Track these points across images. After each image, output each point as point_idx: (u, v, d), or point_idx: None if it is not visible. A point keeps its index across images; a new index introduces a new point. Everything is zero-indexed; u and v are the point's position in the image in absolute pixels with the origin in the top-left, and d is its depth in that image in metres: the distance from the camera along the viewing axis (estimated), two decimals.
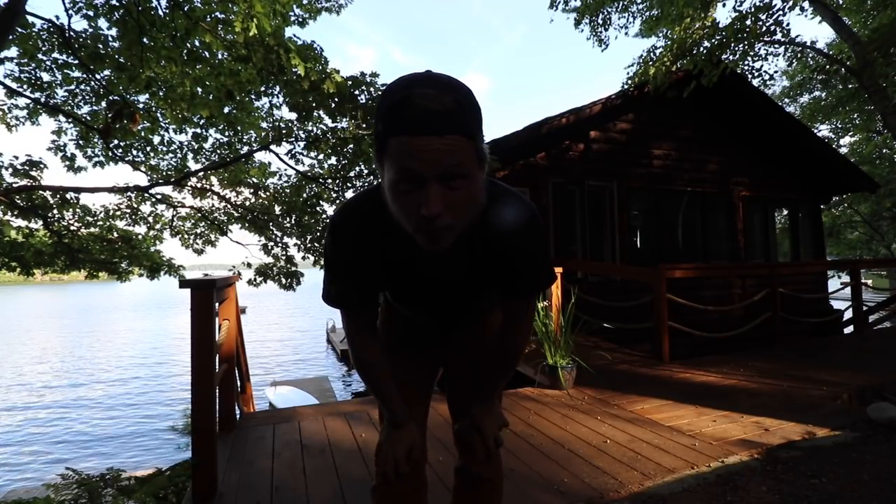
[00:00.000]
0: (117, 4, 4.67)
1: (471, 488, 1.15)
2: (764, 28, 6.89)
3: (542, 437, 2.56)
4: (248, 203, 8.25)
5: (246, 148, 7.62)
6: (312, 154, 7.11)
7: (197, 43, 5.16)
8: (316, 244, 7.76)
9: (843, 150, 15.83)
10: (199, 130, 7.08)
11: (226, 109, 6.41)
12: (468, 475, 1.14)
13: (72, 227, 6.28)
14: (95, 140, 6.38)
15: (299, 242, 7.88)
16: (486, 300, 1.06)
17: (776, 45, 7.73)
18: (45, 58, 5.38)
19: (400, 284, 0.94)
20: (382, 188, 0.74)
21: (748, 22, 6.76)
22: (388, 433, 1.00)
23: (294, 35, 5.25)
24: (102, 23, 4.96)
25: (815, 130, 13.58)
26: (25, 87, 5.55)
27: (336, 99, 5.20)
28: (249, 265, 7.91)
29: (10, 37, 4.29)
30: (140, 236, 6.92)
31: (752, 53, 7.24)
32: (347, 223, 0.84)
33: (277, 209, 8.00)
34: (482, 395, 1.05)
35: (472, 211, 0.72)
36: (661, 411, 2.94)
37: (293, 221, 7.78)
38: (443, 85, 0.64)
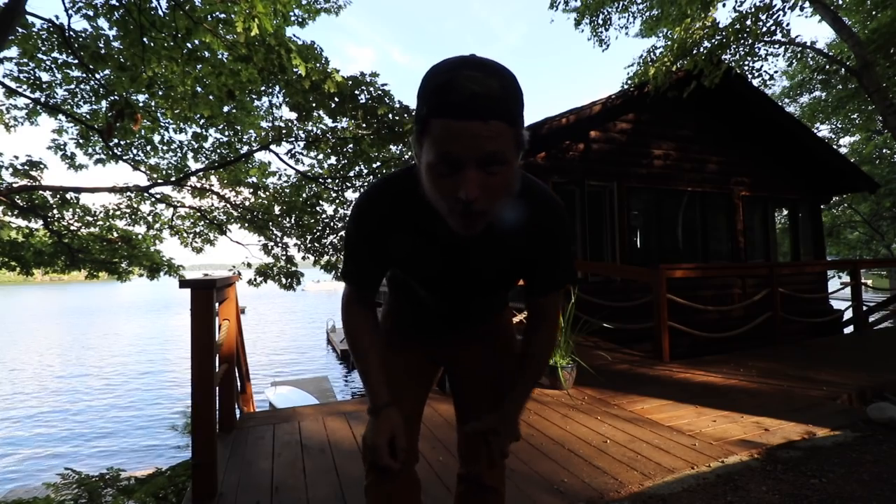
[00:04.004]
0: (117, 4, 4.66)
1: (475, 497, 1.12)
2: (764, 28, 6.89)
3: (542, 437, 2.56)
4: (247, 203, 8.25)
5: (246, 148, 7.62)
6: (312, 154, 7.11)
7: (197, 43, 5.16)
8: (316, 244, 7.77)
9: (843, 150, 15.85)
10: (199, 130, 7.09)
11: (226, 109, 6.41)
12: (473, 483, 1.11)
13: (72, 227, 6.28)
14: (95, 139, 6.38)
15: (299, 242, 7.88)
16: (503, 295, 1.05)
17: (776, 46, 7.72)
18: (45, 57, 5.38)
19: (422, 268, 0.92)
20: (416, 170, 0.75)
21: (748, 22, 6.76)
22: (369, 423, 0.95)
23: (294, 35, 5.26)
24: (102, 23, 4.95)
25: (815, 130, 13.59)
26: (25, 87, 5.55)
27: (336, 99, 5.21)
28: (249, 265, 7.91)
29: (10, 37, 4.29)
30: (140, 236, 6.92)
31: (752, 54, 7.24)
32: (376, 204, 0.85)
33: (277, 209, 8.01)
34: (509, 402, 1.00)
35: (506, 197, 0.72)
36: (661, 411, 2.94)
37: (293, 221, 7.78)
38: (489, 69, 0.64)
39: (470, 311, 1.04)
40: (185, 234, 8.19)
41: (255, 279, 7.81)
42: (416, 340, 1.12)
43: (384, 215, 0.85)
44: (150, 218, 7.56)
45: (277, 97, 6.50)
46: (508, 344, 1.16)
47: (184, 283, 2.03)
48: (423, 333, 1.11)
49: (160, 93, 5.80)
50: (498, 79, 0.63)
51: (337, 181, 7.29)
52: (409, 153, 6.62)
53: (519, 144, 0.69)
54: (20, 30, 4.79)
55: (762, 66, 10.71)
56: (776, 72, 10.38)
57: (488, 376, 1.10)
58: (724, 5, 9.22)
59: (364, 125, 5.91)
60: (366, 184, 6.74)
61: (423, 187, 0.72)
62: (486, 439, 0.96)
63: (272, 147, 6.94)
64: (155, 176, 7.28)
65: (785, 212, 8.91)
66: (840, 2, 10.38)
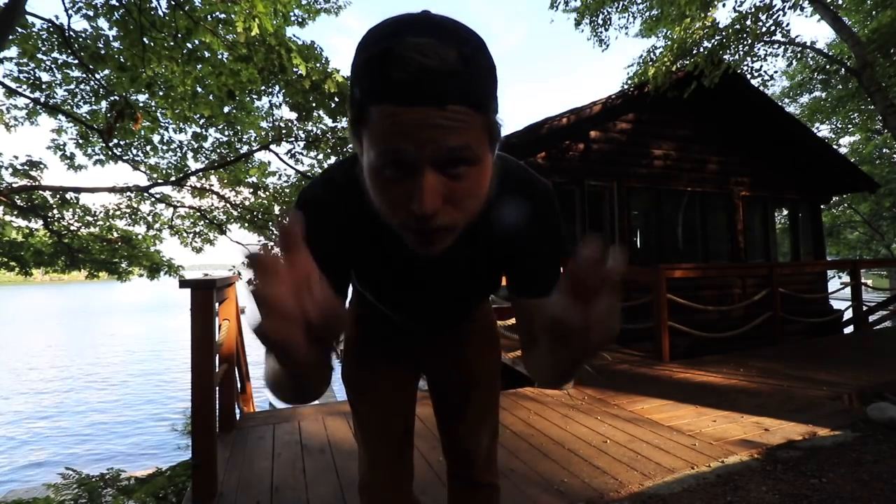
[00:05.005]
0: (117, 4, 4.67)
1: (470, 495, 1.04)
2: (764, 28, 6.89)
3: (542, 437, 2.56)
4: (247, 203, 8.27)
5: (246, 148, 7.63)
6: (312, 154, 7.11)
7: (197, 43, 5.16)
8: None
9: (843, 150, 15.84)
10: (199, 130, 7.10)
11: (226, 109, 6.42)
12: (466, 482, 1.04)
13: (72, 227, 6.28)
14: (95, 139, 6.39)
15: None
16: (485, 299, 0.94)
17: (776, 46, 7.73)
18: (44, 58, 5.38)
19: (378, 285, 0.77)
20: (359, 165, 0.56)
21: (748, 22, 6.76)
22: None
23: (294, 35, 5.27)
24: (102, 23, 4.96)
25: (815, 130, 13.59)
26: (25, 87, 5.55)
27: (336, 99, 5.21)
28: None
29: (10, 37, 4.29)
30: (140, 236, 6.93)
31: (752, 54, 7.24)
32: (315, 210, 0.65)
33: (277, 209, 8.02)
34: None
35: (477, 205, 0.55)
36: (661, 411, 2.94)
37: None
38: (445, 32, 0.47)
39: (448, 324, 0.93)
40: (184, 234, 8.20)
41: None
42: (391, 350, 0.98)
43: (325, 224, 0.65)
44: (149, 218, 7.57)
45: (277, 97, 6.51)
46: (489, 339, 1.06)
47: (184, 283, 2.03)
48: (396, 342, 0.97)
49: (160, 93, 5.80)
50: (458, 45, 0.46)
51: None
52: None
53: (492, 136, 0.52)
54: (20, 30, 4.79)
55: (762, 66, 10.72)
56: (776, 72, 10.39)
57: (471, 378, 1.01)
58: (724, 5, 9.23)
59: None
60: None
61: (368, 194, 0.55)
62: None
63: (272, 147, 6.95)
64: (155, 176, 7.29)
65: (785, 212, 8.91)
66: (840, 2, 10.38)
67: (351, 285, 0.93)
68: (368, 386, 0.96)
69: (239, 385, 3.21)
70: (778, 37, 7.17)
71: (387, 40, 0.46)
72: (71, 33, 4.88)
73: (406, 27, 0.46)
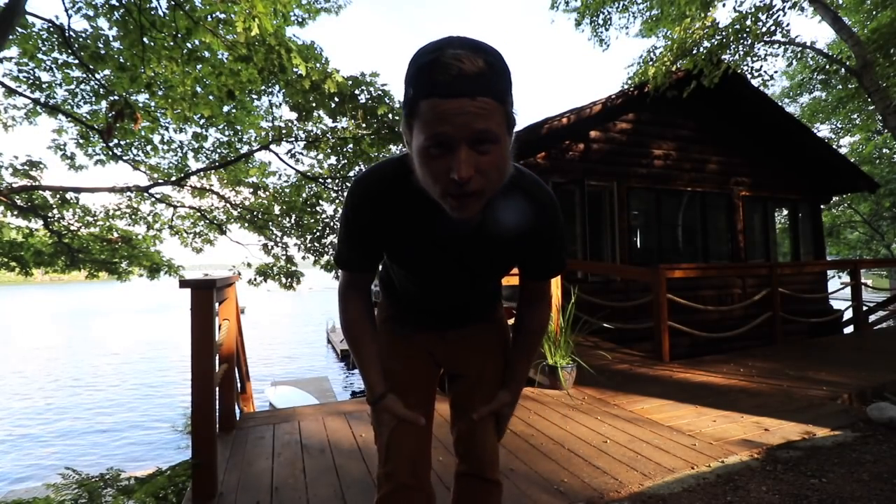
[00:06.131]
0: (117, 4, 4.67)
1: (479, 491, 1.08)
2: (764, 28, 6.89)
3: (542, 437, 2.56)
4: (247, 203, 8.26)
5: (246, 148, 7.63)
6: (312, 154, 7.11)
7: (197, 43, 5.16)
8: (316, 244, 7.76)
9: (843, 150, 15.83)
10: (199, 130, 7.09)
11: (226, 109, 6.42)
12: (475, 478, 1.08)
13: (72, 227, 6.28)
14: (95, 139, 6.39)
15: (299, 242, 7.88)
16: (495, 287, 1.09)
17: (776, 46, 7.72)
18: (45, 57, 5.38)
19: (413, 258, 0.92)
20: (408, 157, 0.74)
21: (748, 22, 6.76)
22: (374, 416, 1.00)
23: (294, 35, 5.27)
24: (102, 23, 4.96)
25: (815, 130, 13.57)
26: (25, 87, 5.55)
27: (336, 99, 5.21)
28: (249, 265, 7.91)
29: (11, 37, 4.29)
30: (140, 236, 6.93)
31: (752, 54, 7.24)
32: (369, 190, 0.84)
33: (277, 209, 8.01)
34: (513, 381, 1.07)
35: (500, 178, 0.71)
36: (661, 411, 2.94)
37: (293, 221, 7.79)
38: (474, 46, 0.64)
39: (462, 303, 1.04)
40: (185, 234, 8.20)
41: (255, 279, 7.81)
42: (417, 343, 1.09)
43: (378, 200, 0.83)
44: (150, 218, 7.57)
45: (277, 97, 6.51)
46: (506, 344, 1.15)
47: (184, 283, 2.03)
48: (421, 334, 1.09)
49: (160, 93, 5.80)
50: (484, 55, 0.63)
51: (337, 181, 7.29)
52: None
53: (509, 123, 0.68)
54: (20, 30, 4.79)
55: (762, 66, 10.70)
56: (776, 72, 10.37)
57: (487, 378, 1.09)
58: (724, 5, 9.23)
59: (364, 125, 5.92)
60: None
61: (416, 174, 0.71)
62: (496, 417, 1.06)
63: (272, 147, 6.94)
64: (155, 176, 7.28)
65: (785, 212, 8.90)
66: (840, 2, 10.38)
67: (382, 286, 1.14)
68: (391, 374, 1.03)
69: (239, 385, 3.21)
70: (778, 37, 7.16)
71: (433, 54, 0.63)
72: (71, 33, 4.87)
73: (446, 44, 0.63)
